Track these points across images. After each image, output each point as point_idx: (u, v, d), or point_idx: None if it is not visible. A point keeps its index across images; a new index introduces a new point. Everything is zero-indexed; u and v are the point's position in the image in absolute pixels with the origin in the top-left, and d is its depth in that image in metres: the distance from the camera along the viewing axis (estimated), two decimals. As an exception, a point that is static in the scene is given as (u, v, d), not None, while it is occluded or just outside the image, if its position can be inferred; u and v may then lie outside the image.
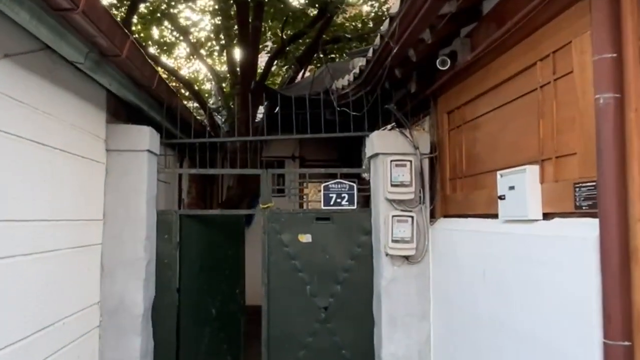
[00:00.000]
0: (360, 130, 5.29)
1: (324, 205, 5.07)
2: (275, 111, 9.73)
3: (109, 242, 4.38)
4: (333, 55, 9.27)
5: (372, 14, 10.02)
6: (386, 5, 10.27)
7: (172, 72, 9.19)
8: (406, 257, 4.59)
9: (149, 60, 4.32)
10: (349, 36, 9.12)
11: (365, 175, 7.23)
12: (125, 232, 4.42)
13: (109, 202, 4.41)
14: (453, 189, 4.45)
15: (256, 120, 8.38)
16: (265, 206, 5.07)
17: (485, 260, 3.52)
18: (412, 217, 4.52)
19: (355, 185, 5.08)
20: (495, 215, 3.55)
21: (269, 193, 5.11)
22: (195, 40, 10.93)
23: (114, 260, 4.37)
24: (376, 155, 4.73)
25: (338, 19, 9.32)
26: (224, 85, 9.75)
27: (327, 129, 5.17)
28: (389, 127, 4.76)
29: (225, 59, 9.41)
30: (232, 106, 8.59)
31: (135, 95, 4.53)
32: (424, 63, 4.62)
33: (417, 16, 3.73)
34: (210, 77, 12.41)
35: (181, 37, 10.52)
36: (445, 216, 4.59)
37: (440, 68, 4.05)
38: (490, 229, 3.50)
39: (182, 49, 11.77)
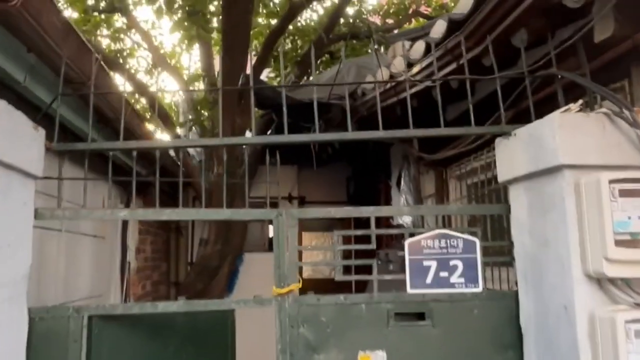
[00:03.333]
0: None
1: (412, 287, 2.32)
2: (268, 132, 7.04)
3: None
4: (347, 55, 6.70)
5: (393, 7, 7.55)
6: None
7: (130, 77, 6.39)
8: None
9: None
10: (370, 28, 6.55)
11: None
12: None
13: None
14: None
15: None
16: (285, 290, 2.29)
17: None
18: (671, 324, 1.80)
19: (478, 243, 2.35)
20: None
21: (294, 262, 2.34)
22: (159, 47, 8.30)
23: None
24: (555, 171, 2.01)
25: (352, 9, 6.81)
26: (194, 89, 6.99)
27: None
28: (575, 106, 2.08)
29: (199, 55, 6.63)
30: (206, 125, 5.86)
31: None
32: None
33: None
34: (179, 98, 9.60)
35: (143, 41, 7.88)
36: None
37: None
38: None
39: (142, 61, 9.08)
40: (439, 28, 3.23)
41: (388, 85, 4.15)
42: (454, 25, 2.98)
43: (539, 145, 2.06)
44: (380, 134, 2.27)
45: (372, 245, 2.42)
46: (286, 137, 2.48)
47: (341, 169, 8.43)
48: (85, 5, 6.91)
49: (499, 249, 2.52)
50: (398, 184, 6.19)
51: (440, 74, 3.34)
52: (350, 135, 2.33)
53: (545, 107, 2.72)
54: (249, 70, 5.44)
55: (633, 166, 1.95)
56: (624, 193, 1.85)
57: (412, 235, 2.38)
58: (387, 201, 7.00)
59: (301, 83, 5.86)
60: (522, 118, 2.39)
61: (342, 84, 4.68)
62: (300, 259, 4.85)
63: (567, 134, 1.96)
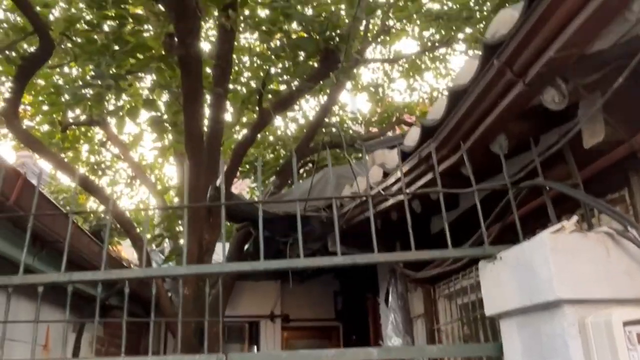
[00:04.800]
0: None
1: None
2: (246, 247, 6.66)
3: None
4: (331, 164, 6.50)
5: (376, 116, 7.49)
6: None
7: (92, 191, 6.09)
8: None
9: None
10: (353, 136, 6.39)
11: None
12: None
13: None
14: None
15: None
16: None
17: None
18: None
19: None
20: None
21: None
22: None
23: None
24: (553, 306, 1.58)
25: (333, 118, 6.71)
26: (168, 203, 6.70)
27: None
28: (569, 224, 1.71)
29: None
30: (180, 238, 5.50)
31: None
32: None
33: None
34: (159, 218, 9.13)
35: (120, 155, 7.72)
36: None
37: None
38: None
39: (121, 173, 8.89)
40: (413, 135, 2.96)
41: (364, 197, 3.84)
42: (427, 132, 2.70)
43: (529, 273, 1.65)
44: (328, 260, 1.87)
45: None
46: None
47: (328, 283, 7.92)
48: (65, 119, 6.82)
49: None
50: (386, 300, 5.70)
51: (418, 184, 3.04)
52: (302, 262, 1.93)
53: (536, 220, 2.38)
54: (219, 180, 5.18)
55: (651, 299, 1.54)
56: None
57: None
58: (376, 319, 6.45)
59: (271, 193, 5.54)
60: (509, 233, 2.02)
61: (301, 198, 4.41)
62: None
63: (563, 260, 1.57)
